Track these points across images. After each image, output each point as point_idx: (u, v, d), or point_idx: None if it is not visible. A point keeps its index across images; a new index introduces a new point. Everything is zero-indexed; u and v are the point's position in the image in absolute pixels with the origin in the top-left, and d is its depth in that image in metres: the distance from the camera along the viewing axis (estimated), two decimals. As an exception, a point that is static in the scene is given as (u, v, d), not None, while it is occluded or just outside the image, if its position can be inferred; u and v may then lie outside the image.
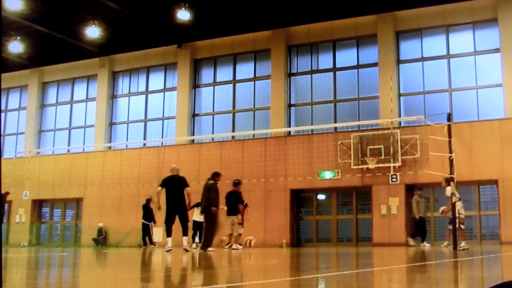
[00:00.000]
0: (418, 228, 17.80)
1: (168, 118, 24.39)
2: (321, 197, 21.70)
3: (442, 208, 16.09)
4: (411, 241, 17.87)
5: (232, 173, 20.97)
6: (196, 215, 17.57)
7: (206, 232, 14.48)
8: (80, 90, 27.04)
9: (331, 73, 21.87)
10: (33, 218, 25.94)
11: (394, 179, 19.36)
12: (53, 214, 26.38)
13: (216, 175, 14.75)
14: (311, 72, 22.29)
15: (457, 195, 13.71)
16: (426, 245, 16.95)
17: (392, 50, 20.67)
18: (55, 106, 27.57)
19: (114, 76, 26.09)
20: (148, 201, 20.31)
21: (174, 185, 13.27)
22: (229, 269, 7.74)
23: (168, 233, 13.24)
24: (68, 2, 20.90)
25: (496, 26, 19.48)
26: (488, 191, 19.36)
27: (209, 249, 13.86)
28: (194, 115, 24.04)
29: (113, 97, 25.97)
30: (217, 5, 20.91)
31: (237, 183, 16.58)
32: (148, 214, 20.16)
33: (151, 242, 20.16)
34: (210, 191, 14.31)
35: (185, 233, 13.36)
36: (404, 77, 20.91)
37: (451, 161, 13.84)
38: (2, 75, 23.64)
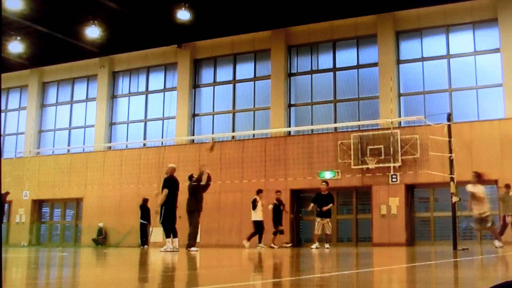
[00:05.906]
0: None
1: (168, 118, 24.38)
2: (321, 197, 21.65)
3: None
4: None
5: (232, 173, 21.03)
6: (256, 215, 17.69)
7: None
8: (80, 90, 27.03)
9: (331, 73, 21.87)
10: (33, 218, 25.93)
11: (394, 179, 19.35)
12: (53, 214, 26.36)
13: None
14: (311, 72, 22.29)
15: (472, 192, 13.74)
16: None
17: (392, 50, 20.67)
18: (55, 106, 27.57)
19: (114, 76, 26.09)
20: (145, 201, 20.36)
21: (177, 186, 13.82)
22: (229, 269, 7.73)
23: (174, 233, 13.52)
24: (68, 2, 20.88)
25: (496, 26, 19.47)
26: (488, 191, 19.29)
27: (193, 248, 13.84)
28: (194, 115, 24.03)
29: (113, 97, 25.96)
30: (217, 5, 20.90)
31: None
32: (146, 214, 20.23)
33: (146, 242, 20.23)
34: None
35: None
36: (404, 77, 20.90)
37: (451, 161, 13.86)
38: (2, 75, 23.64)
